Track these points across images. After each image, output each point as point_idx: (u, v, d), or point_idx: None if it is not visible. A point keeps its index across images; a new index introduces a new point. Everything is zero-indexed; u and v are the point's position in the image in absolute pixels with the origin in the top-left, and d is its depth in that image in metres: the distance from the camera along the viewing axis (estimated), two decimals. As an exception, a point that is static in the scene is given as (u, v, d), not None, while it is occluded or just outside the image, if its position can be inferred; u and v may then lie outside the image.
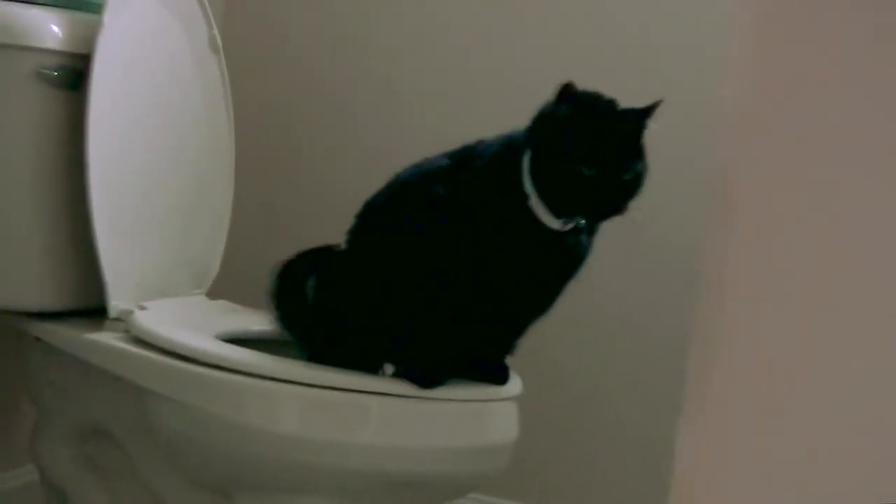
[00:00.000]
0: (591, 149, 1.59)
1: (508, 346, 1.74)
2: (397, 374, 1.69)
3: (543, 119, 1.63)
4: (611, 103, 1.63)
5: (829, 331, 1.06)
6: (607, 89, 2.15)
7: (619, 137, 1.61)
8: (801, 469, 1.07)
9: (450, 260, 1.64)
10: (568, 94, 1.61)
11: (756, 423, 1.07)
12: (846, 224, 1.05)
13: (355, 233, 1.74)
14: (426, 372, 1.68)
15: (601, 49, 2.24)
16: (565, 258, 1.65)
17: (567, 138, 1.59)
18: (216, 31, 2.06)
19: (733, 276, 1.10)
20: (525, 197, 1.61)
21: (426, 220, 1.66)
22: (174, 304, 1.96)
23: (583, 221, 1.63)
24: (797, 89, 1.05)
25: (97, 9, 1.83)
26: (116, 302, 1.83)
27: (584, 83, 2.23)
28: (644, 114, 1.62)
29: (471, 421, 1.71)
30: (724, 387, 1.10)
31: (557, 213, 1.62)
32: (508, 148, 1.65)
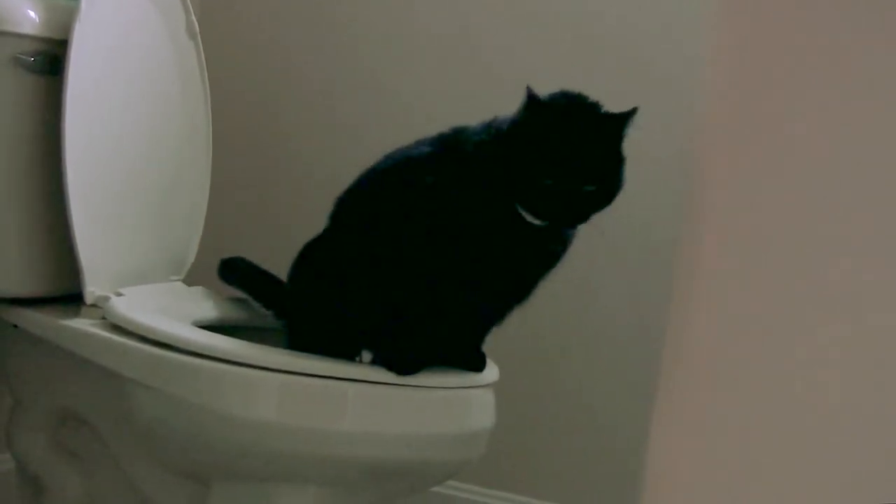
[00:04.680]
0: (549, 158, 1.56)
1: (485, 334, 1.75)
2: (375, 362, 1.69)
3: (513, 125, 1.61)
4: (582, 109, 1.60)
5: (799, 328, 1.07)
6: (591, 84, 2.16)
7: (582, 146, 1.57)
8: (768, 459, 1.08)
9: (432, 249, 1.65)
10: (530, 100, 1.59)
11: (724, 415, 1.08)
12: (817, 223, 1.06)
13: (335, 220, 1.74)
14: (403, 359, 1.68)
15: (585, 42, 2.24)
16: (545, 252, 1.66)
17: (527, 145, 1.58)
18: (194, 18, 2.05)
19: (703, 273, 1.11)
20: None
21: (411, 209, 1.66)
22: (151, 290, 1.95)
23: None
24: (773, 87, 1.06)
25: (74, -6, 1.82)
26: (93, 288, 1.83)
27: (566, 75, 2.24)
28: (616, 122, 1.59)
29: (448, 408, 1.71)
30: (694, 380, 1.11)
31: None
32: (496, 138, 1.65)
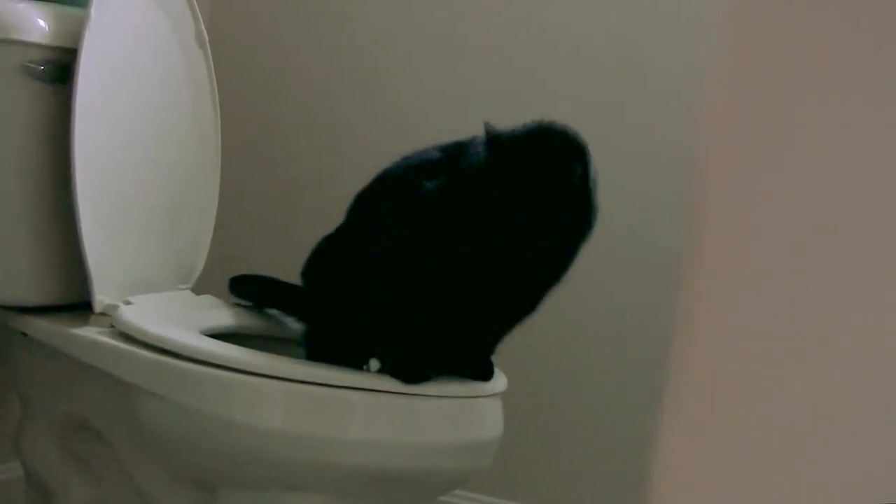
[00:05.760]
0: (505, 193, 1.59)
1: (494, 343, 1.74)
2: (383, 370, 1.69)
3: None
4: (536, 141, 1.61)
5: (799, 328, 1.06)
6: (591, 84, 2.16)
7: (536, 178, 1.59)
8: (779, 465, 1.07)
9: (435, 256, 1.64)
10: (487, 134, 1.61)
11: (734, 421, 1.07)
12: (817, 222, 1.05)
13: (348, 217, 1.75)
14: (411, 368, 1.68)
15: (585, 43, 2.24)
16: (549, 264, 1.65)
17: (487, 182, 1.61)
18: (203, 27, 2.06)
19: (704, 273, 1.10)
20: None
21: (408, 215, 1.66)
22: (159, 299, 1.95)
23: None
24: (773, 87, 1.06)
25: (84, 3, 1.82)
26: (102, 297, 1.83)
27: (566, 76, 2.25)
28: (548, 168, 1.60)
29: (456, 417, 1.71)
30: (703, 384, 1.10)
31: None
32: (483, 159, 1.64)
